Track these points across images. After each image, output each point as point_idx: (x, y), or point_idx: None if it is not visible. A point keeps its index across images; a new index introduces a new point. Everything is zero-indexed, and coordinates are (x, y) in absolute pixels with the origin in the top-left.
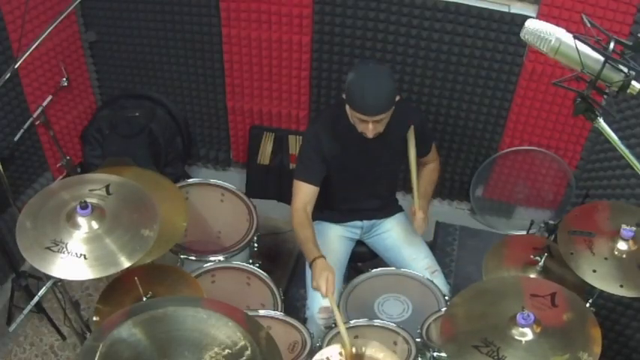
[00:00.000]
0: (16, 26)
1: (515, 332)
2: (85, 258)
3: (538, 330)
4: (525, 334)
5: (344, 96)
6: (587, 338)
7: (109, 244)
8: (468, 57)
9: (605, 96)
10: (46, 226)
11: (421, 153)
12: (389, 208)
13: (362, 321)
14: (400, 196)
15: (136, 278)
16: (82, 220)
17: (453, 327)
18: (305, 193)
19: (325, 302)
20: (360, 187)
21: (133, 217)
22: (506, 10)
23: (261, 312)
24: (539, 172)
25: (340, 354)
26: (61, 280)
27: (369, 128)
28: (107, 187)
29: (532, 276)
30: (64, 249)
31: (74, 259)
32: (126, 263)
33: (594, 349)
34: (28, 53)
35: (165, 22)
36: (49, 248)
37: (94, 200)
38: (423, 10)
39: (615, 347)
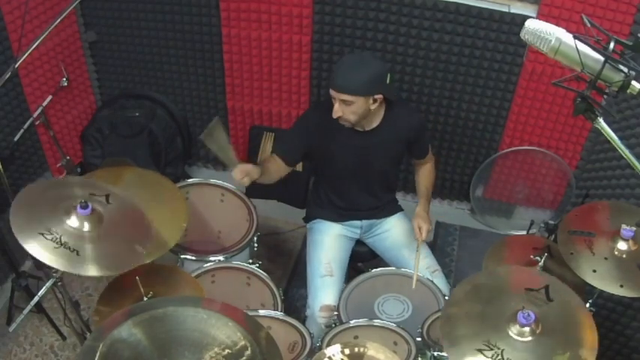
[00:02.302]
0: (16, 26)
1: (517, 332)
2: (77, 254)
3: (539, 329)
4: (526, 334)
5: None
6: (584, 334)
7: (86, 249)
8: (468, 57)
9: (605, 96)
10: (42, 211)
11: (419, 156)
12: (388, 208)
13: (362, 321)
14: (400, 196)
15: (137, 278)
16: (75, 218)
17: (454, 329)
18: (278, 164)
19: (326, 301)
20: (353, 184)
21: (128, 231)
22: (506, 10)
23: (261, 312)
24: (539, 172)
25: (342, 353)
26: (61, 279)
27: (335, 107)
28: (107, 196)
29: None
30: (58, 240)
31: (64, 250)
32: (92, 272)
33: (591, 343)
34: (28, 53)
35: (166, 22)
36: (42, 234)
37: (95, 204)
38: (423, 10)
39: (615, 347)
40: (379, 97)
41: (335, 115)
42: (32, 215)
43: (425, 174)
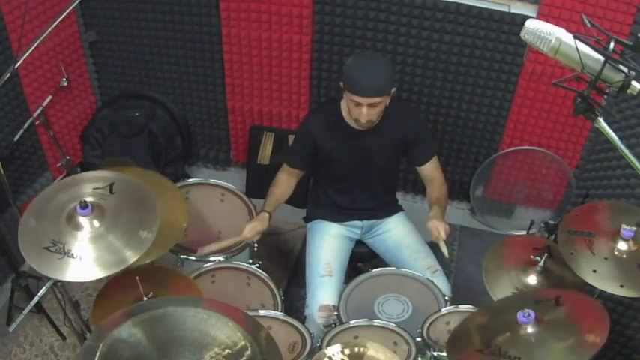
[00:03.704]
0: (16, 26)
1: (517, 331)
2: (80, 259)
3: (541, 326)
4: (527, 331)
5: (341, 83)
6: (593, 320)
7: (112, 242)
8: (468, 57)
9: (605, 96)
10: (47, 226)
11: (420, 160)
12: (388, 208)
13: (362, 321)
14: (400, 196)
15: (137, 278)
16: (83, 220)
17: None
18: (288, 171)
19: (325, 300)
20: (354, 183)
21: (132, 218)
22: (506, 10)
23: (261, 312)
24: (539, 172)
25: (342, 353)
26: (60, 280)
27: (363, 112)
28: (111, 185)
29: (532, 276)
30: (62, 250)
31: (70, 260)
32: (130, 260)
33: (601, 329)
34: (28, 53)
35: (166, 22)
36: (47, 248)
37: (93, 199)
38: (423, 10)
39: (615, 347)
40: (393, 91)
41: (364, 120)
42: (37, 230)
43: (434, 187)
